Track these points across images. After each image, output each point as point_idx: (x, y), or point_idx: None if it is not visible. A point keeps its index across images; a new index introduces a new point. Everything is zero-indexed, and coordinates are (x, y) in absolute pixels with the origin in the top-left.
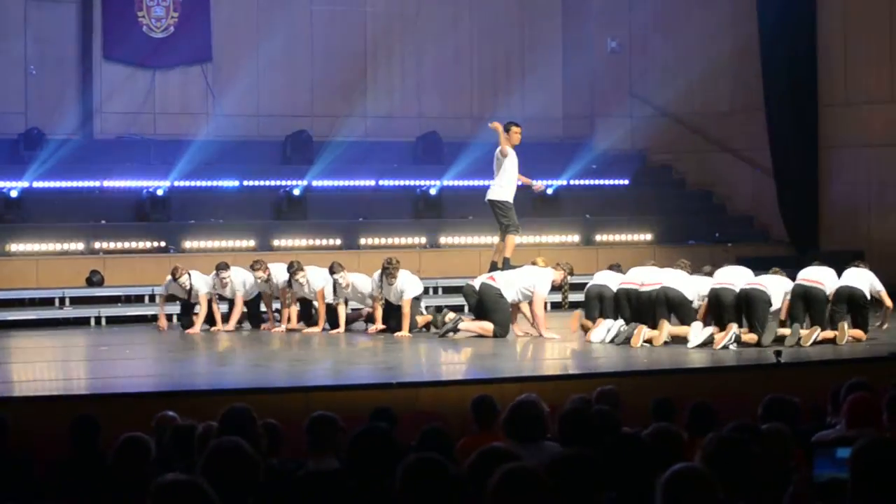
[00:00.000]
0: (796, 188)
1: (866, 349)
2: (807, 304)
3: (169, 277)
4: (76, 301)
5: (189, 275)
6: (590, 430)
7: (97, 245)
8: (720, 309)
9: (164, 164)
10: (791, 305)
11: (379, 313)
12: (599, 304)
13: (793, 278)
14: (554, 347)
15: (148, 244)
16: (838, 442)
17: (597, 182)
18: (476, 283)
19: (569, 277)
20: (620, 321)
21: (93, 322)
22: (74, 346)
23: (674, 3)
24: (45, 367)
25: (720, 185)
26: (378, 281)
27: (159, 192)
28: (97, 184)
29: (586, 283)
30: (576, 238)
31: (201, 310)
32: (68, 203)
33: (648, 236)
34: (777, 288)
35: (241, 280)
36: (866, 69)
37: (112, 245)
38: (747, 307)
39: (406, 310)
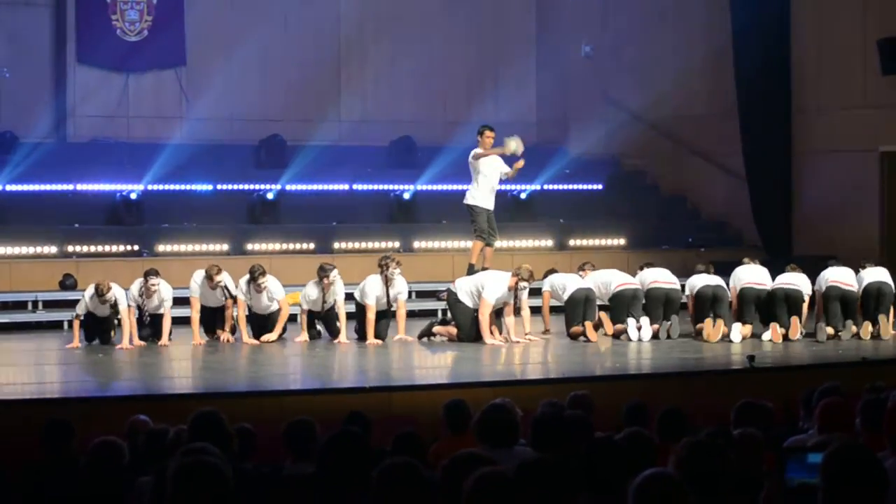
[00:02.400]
0: (769, 193)
1: (838, 354)
2: (843, 304)
3: (90, 293)
4: (49, 304)
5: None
6: (562, 435)
7: (70, 248)
8: (757, 307)
9: (138, 167)
10: (827, 306)
11: (372, 326)
12: (584, 308)
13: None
14: (528, 352)
15: (121, 248)
16: (810, 448)
17: (570, 187)
18: None
19: (523, 283)
20: (646, 319)
21: (66, 326)
22: (47, 349)
23: (648, 9)
24: (18, 370)
25: (693, 190)
26: (381, 284)
27: (133, 196)
28: (71, 187)
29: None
30: (549, 243)
31: (130, 324)
32: (42, 206)
33: (622, 241)
34: (807, 286)
35: (168, 291)
36: (839, 75)
37: (85, 248)
38: (789, 306)
39: (403, 312)
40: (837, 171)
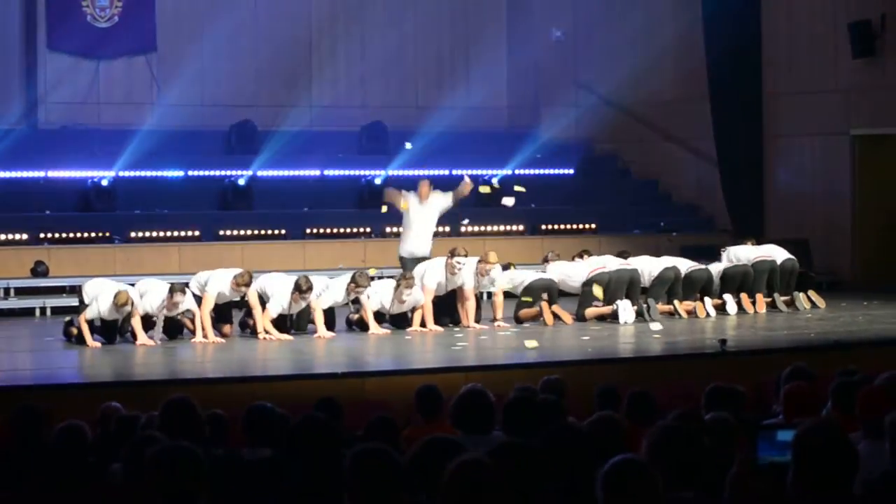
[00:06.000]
0: (741, 177)
1: (810, 338)
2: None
3: (163, 296)
4: (21, 292)
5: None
6: (535, 420)
7: (42, 235)
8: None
9: (109, 154)
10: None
11: (431, 312)
12: (547, 294)
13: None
14: (500, 337)
15: (93, 234)
16: (780, 424)
17: (542, 172)
18: None
19: (456, 259)
20: (626, 301)
21: (38, 313)
22: (19, 336)
23: None
24: None
25: (665, 175)
26: (443, 275)
27: (104, 183)
28: (42, 174)
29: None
30: (520, 227)
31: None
32: (13, 193)
33: (593, 225)
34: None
35: (191, 303)
36: (810, 57)
37: (57, 235)
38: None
39: (473, 302)
40: (809, 154)
